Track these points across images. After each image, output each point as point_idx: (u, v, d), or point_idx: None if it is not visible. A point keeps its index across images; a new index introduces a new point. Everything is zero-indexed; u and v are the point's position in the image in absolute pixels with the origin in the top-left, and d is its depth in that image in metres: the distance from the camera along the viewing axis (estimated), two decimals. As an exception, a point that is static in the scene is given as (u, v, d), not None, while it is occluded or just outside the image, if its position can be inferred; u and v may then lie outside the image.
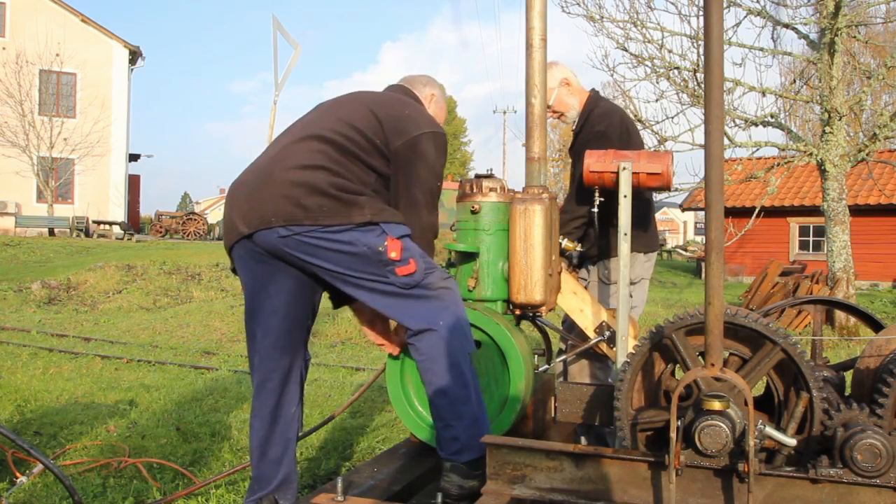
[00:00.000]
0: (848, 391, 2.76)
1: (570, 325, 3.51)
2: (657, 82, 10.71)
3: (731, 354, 2.38)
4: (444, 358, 2.47)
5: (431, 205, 2.63)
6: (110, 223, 28.61)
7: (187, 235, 31.31)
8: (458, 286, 2.63)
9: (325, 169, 2.45)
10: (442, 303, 2.50)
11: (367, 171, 2.51)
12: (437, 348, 2.47)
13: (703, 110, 2.20)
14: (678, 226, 56.87)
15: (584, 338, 3.24)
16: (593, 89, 3.72)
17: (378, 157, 2.54)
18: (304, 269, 2.50)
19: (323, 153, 2.48)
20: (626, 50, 10.68)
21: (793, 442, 2.08)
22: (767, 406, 2.39)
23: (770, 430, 2.05)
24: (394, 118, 2.58)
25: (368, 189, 2.50)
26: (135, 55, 31.64)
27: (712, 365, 2.10)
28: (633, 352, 2.43)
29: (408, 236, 2.51)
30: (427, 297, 2.49)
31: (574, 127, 3.68)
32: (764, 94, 10.64)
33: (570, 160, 3.82)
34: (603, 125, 3.50)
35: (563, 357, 3.42)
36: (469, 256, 2.92)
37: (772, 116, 10.76)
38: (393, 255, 2.43)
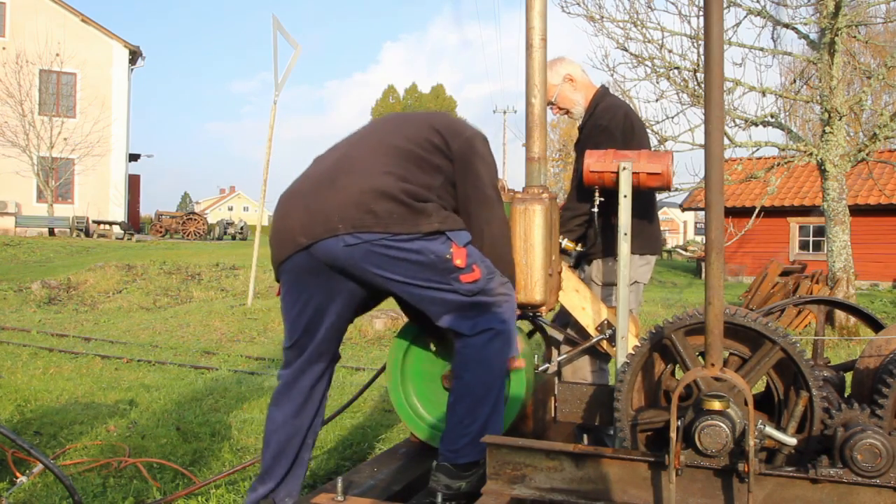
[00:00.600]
0: (848, 391, 2.77)
1: (562, 323, 3.50)
2: (657, 82, 10.71)
3: (731, 354, 2.38)
4: (485, 360, 2.48)
5: (500, 200, 2.64)
6: (110, 223, 28.61)
7: (187, 235, 31.33)
8: (514, 290, 2.64)
9: (393, 174, 2.43)
10: (499, 309, 2.51)
11: (432, 174, 2.51)
12: (481, 350, 2.48)
13: (703, 110, 2.20)
14: (678, 226, 56.92)
15: (583, 335, 3.24)
16: (602, 85, 3.70)
17: (441, 157, 2.53)
18: (364, 280, 2.47)
19: (389, 157, 2.47)
20: (626, 50, 10.68)
21: (793, 441, 2.08)
22: (767, 405, 2.39)
23: (770, 430, 2.05)
24: (446, 122, 2.62)
25: (433, 194, 2.48)
26: (135, 55, 31.64)
27: (712, 365, 2.10)
28: (633, 352, 2.44)
29: (470, 243, 2.51)
30: (486, 303, 2.49)
31: (580, 123, 3.67)
32: (764, 94, 10.64)
33: (570, 160, 3.82)
34: (605, 120, 3.49)
35: (562, 357, 3.41)
36: (469, 256, 2.92)
37: (772, 116, 10.76)
38: (458, 262, 2.43)
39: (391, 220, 2.38)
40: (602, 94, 3.63)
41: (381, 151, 2.49)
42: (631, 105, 11.15)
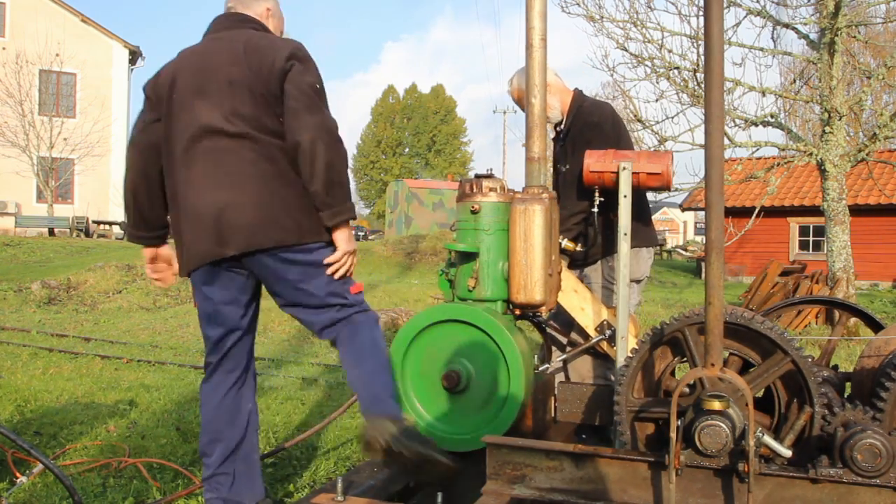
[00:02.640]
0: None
1: (561, 322, 3.51)
2: (657, 82, 10.70)
3: (731, 354, 2.38)
4: (368, 346, 2.65)
5: (315, 105, 2.53)
6: (110, 223, 28.60)
7: (187, 235, 31.28)
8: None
9: (289, 186, 2.53)
10: (367, 319, 2.70)
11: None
12: (361, 330, 2.66)
13: (703, 110, 2.20)
14: (678, 226, 56.85)
15: (577, 335, 3.24)
16: (576, 88, 3.75)
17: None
18: (275, 287, 2.65)
19: (258, 159, 2.52)
20: (626, 50, 10.67)
21: (788, 453, 2.08)
22: (766, 405, 2.39)
23: (767, 439, 2.05)
24: (259, 71, 2.53)
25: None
26: (135, 55, 31.64)
27: (712, 365, 2.10)
28: (634, 350, 2.43)
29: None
30: (356, 314, 2.67)
31: (561, 126, 3.69)
32: (764, 94, 10.64)
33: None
34: (595, 116, 3.55)
35: (563, 356, 3.42)
36: (469, 256, 2.92)
37: (772, 116, 10.76)
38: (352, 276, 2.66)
39: (301, 231, 2.53)
40: (581, 96, 3.70)
41: (249, 152, 2.51)
42: (631, 105, 11.17)
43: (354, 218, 2.64)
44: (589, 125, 3.51)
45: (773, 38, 10.78)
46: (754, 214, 10.89)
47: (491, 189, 2.91)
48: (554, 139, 3.75)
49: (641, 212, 3.53)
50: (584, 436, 3.35)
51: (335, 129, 2.55)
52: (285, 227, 2.51)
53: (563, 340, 3.50)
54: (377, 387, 2.57)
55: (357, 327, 2.64)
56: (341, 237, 2.58)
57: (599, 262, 3.57)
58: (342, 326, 2.64)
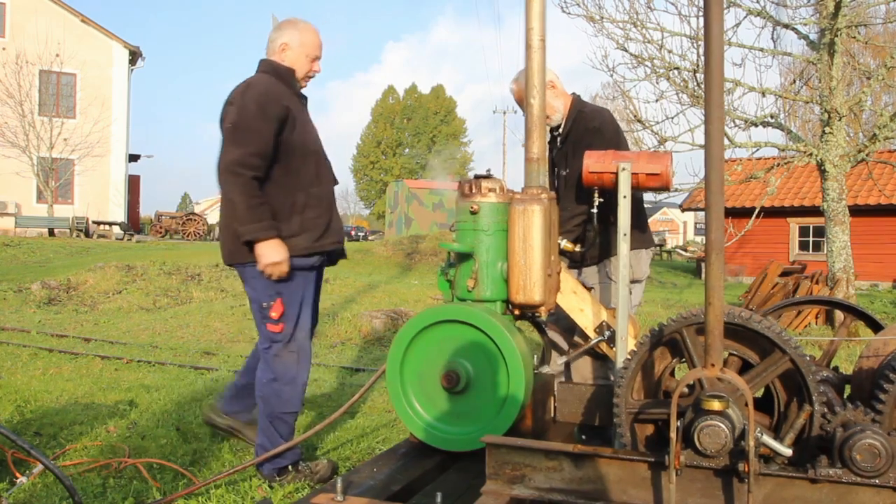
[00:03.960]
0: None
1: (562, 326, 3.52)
2: (657, 82, 10.71)
3: (730, 355, 2.38)
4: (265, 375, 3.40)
5: (222, 145, 3.14)
6: (110, 223, 28.61)
7: (187, 236, 31.31)
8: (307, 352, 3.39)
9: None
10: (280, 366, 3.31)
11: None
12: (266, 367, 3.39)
13: (703, 110, 2.21)
14: (678, 226, 56.80)
15: (572, 336, 3.24)
16: (574, 93, 3.76)
17: None
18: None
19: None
20: (626, 50, 10.68)
21: (788, 452, 2.08)
22: (765, 405, 2.39)
23: (767, 439, 2.05)
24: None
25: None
26: (135, 55, 31.64)
27: (712, 365, 2.11)
28: (634, 351, 2.43)
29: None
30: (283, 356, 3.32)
31: (560, 129, 3.69)
32: (764, 94, 10.64)
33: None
34: (597, 122, 3.56)
35: (565, 359, 3.41)
36: (468, 257, 2.93)
37: (772, 117, 10.76)
38: (273, 314, 3.22)
39: (239, 252, 3.23)
40: (581, 101, 3.73)
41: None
42: (631, 105, 11.18)
43: (261, 239, 3.11)
44: (590, 130, 3.53)
45: (773, 38, 10.80)
46: (754, 215, 10.90)
47: (490, 190, 2.92)
48: (550, 142, 3.75)
49: (639, 215, 3.56)
50: (584, 436, 3.35)
51: (227, 163, 3.08)
52: (230, 249, 3.24)
53: (563, 341, 3.50)
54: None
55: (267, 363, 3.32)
56: (258, 251, 3.13)
57: (599, 263, 3.58)
58: (264, 351, 3.32)
